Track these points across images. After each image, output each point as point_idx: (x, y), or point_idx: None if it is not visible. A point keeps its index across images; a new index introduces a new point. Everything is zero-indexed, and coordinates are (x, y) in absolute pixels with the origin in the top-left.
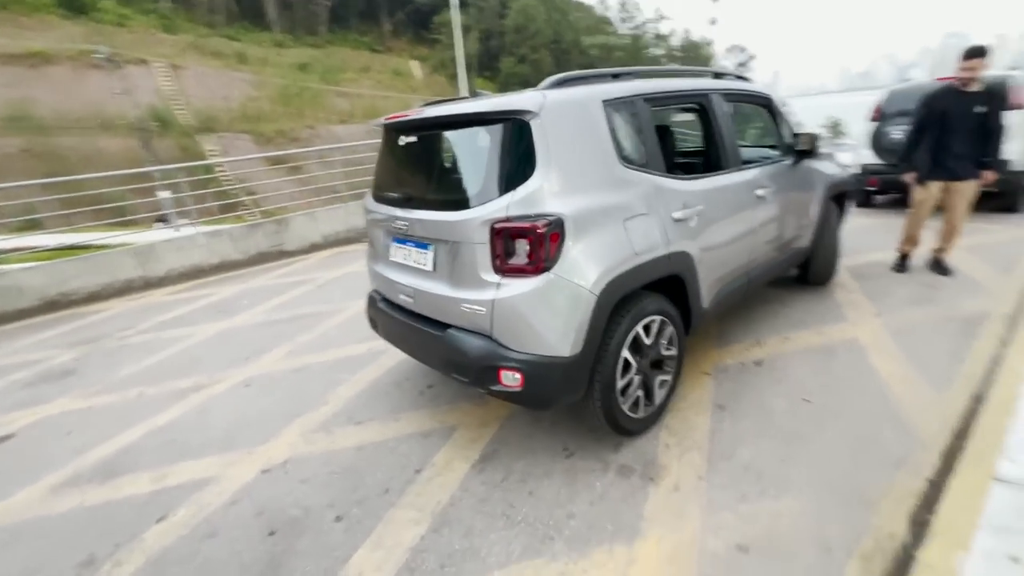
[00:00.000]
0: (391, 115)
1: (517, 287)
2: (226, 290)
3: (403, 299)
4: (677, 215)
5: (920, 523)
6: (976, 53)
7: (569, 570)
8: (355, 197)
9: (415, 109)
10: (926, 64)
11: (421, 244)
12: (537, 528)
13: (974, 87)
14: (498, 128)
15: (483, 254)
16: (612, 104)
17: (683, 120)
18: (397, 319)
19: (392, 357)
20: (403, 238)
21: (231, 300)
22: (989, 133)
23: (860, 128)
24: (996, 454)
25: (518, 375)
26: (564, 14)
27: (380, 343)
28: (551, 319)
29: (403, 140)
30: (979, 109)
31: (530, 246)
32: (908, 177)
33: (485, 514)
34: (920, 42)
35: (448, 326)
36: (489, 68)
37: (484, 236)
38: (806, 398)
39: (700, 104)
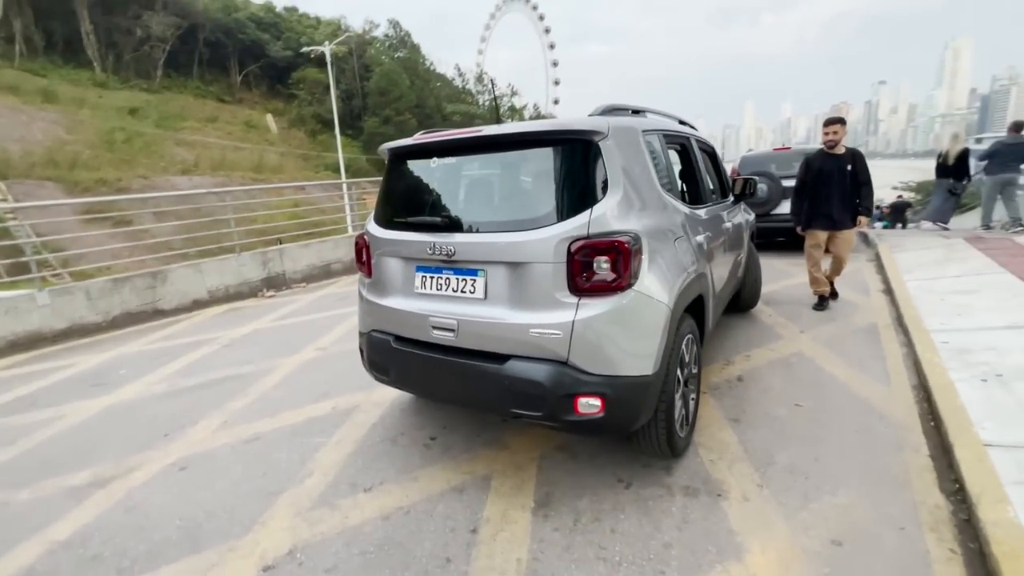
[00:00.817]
0: (427, 133)
1: (599, 305)
2: (88, 360)
3: (438, 335)
4: (698, 238)
5: (951, 492)
6: (836, 120)
7: None
8: (226, 250)
9: (433, 132)
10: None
11: (468, 270)
12: (643, 566)
13: (839, 150)
14: (565, 148)
15: (559, 274)
16: (646, 134)
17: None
18: (428, 358)
19: (369, 412)
20: (438, 266)
21: (102, 371)
22: (859, 186)
23: None
24: (969, 426)
25: (597, 400)
26: (426, 81)
27: (348, 399)
28: (636, 337)
29: (436, 162)
30: (847, 167)
31: (613, 263)
32: (798, 229)
33: (578, 561)
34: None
35: (507, 357)
36: (351, 127)
37: (561, 255)
38: (798, 403)
39: (684, 145)
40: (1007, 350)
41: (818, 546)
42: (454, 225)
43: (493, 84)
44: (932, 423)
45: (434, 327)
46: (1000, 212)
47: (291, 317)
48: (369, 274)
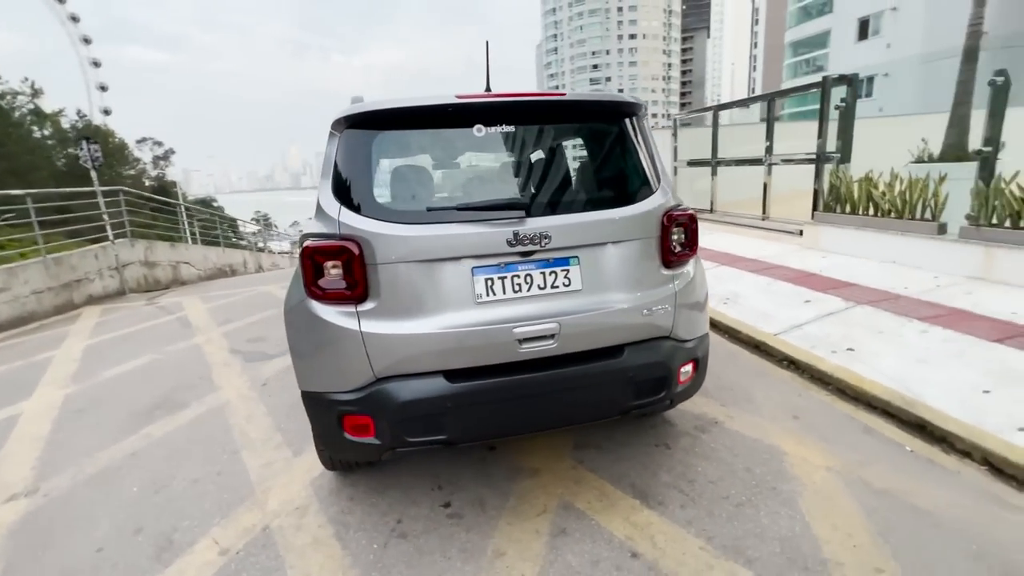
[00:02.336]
0: (461, 95)
1: (684, 273)
2: None
3: (530, 348)
4: None
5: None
6: None
7: None
8: None
9: (469, 94)
10: (315, 169)
11: (557, 260)
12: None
13: None
14: (633, 121)
15: (656, 248)
16: None
17: None
18: (517, 384)
19: (254, 498)
20: (510, 263)
21: None
22: None
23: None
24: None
25: (690, 366)
26: None
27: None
28: (704, 297)
29: (481, 131)
30: None
31: (689, 232)
32: None
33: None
34: (304, 156)
35: (621, 348)
36: None
37: (658, 229)
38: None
39: None
40: None
41: (872, 487)
42: (534, 207)
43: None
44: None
45: (523, 340)
46: None
47: None
48: (363, 296)
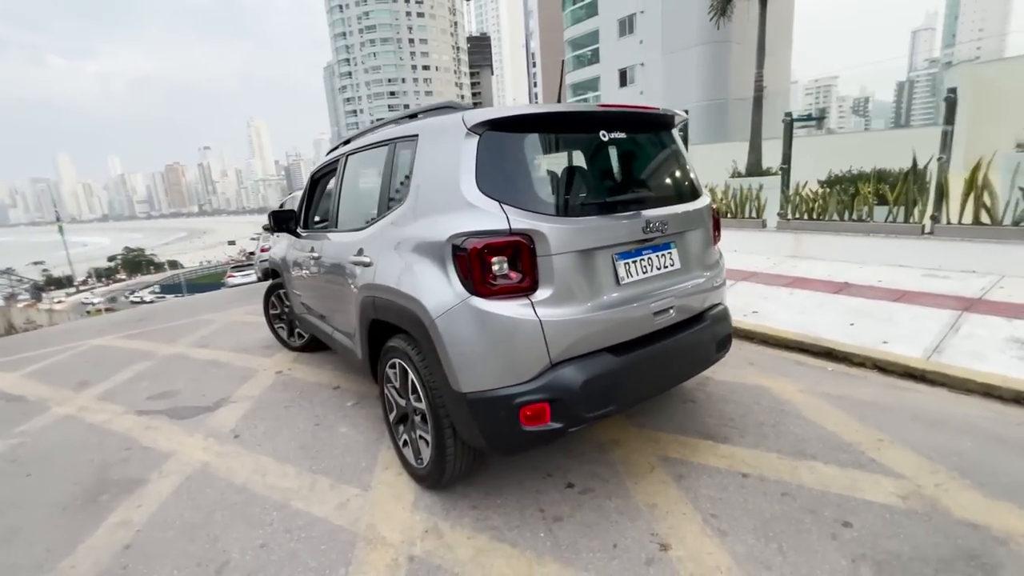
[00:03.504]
0: (606, 104)
1: (721, 253)
2: None
3: (660, 320)
4: None
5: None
6: None
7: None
8: None
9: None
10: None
11: (663, 245)
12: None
13: None
14: (675, 128)
15: (710, 234)
16: None
17: None
18: (654, 352)
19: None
20: (637, 248)
21: None
22: None
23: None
24: None
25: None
26: None
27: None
28: None
29: (606, 135)
30: None
31: (717, 223)
32: None
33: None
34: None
35: (703, 314)
36: None
37: (710, 219)
38: None
39: None
40: None
41: None
42: (647, 201)
43: None
44: None
45: (656, 313)
46: None
47: None
48: (533, 287)
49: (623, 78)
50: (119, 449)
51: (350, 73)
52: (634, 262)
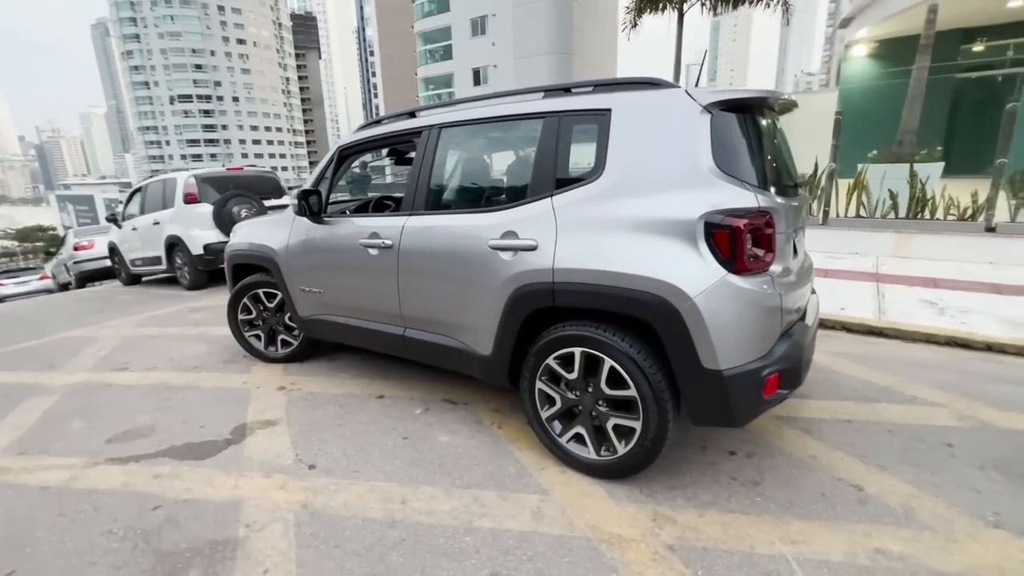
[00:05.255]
0: (782, 96)
1: None
2: None
3: (807, 294)
4: None
5: None
6: None
7: None
8: None
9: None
10: None
11: (800, 229)
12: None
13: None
14: None
15: None
16: None
17: None
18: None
19: None
20: (797, 229)
21: None
22: None
23: None
24: None
25: None
26: None
27: None
28: None
29: (764, 121)
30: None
31: None
32: None
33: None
34: None
35: None
36: None
37: None
38: None
39: None
40: None
41: None
42: (792, 188)
43: None
44: None
45: (812, 290)
46: None
47: None
48: (771, 263)
49: (476, 77)
50: (142, 510)
51: (137, 36)
52: (799, 242)
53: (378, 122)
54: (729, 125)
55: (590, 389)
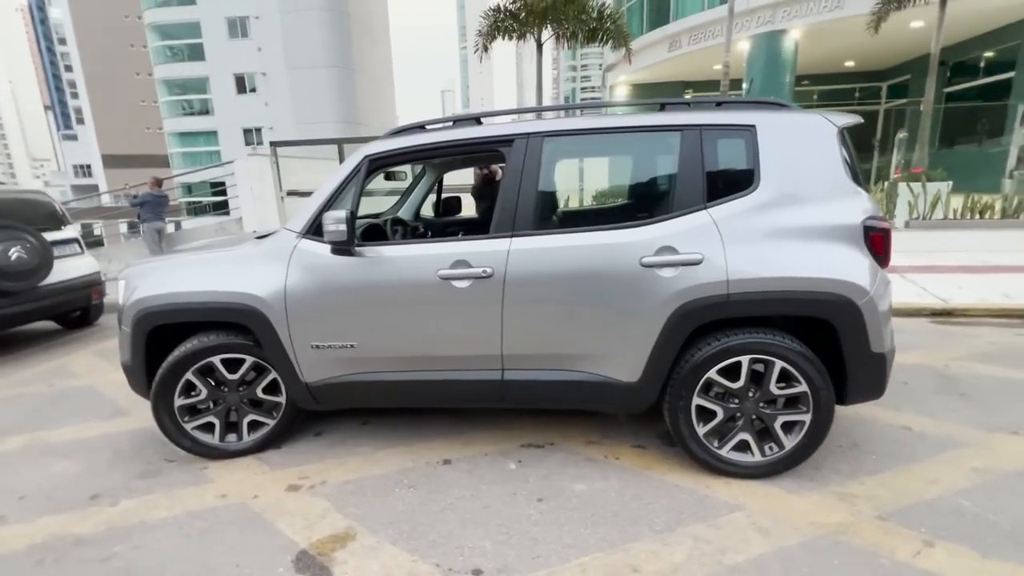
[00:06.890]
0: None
1: None
2: None
3: None
4: None
5: None
6: None
7: None
8: None
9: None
10: None
11: None
12: None
13: None
14: None
15: None
16: None
17: None
18: None
19: None
20: None
21: None
22: None
23: None
24: None
25: None
26: None
27: None
28: None
29: None
30: None
31: None
32: None
33: None
34: None
35: None
36: None
37: None
38: None
39: None
40: None
41: None
42: None
43: None
44: None
45: None
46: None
47: None
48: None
49: (241, 84)
50: None
51: None
52: None
53: (422, 127)
54: (847, 144)
55: (751, 394)
